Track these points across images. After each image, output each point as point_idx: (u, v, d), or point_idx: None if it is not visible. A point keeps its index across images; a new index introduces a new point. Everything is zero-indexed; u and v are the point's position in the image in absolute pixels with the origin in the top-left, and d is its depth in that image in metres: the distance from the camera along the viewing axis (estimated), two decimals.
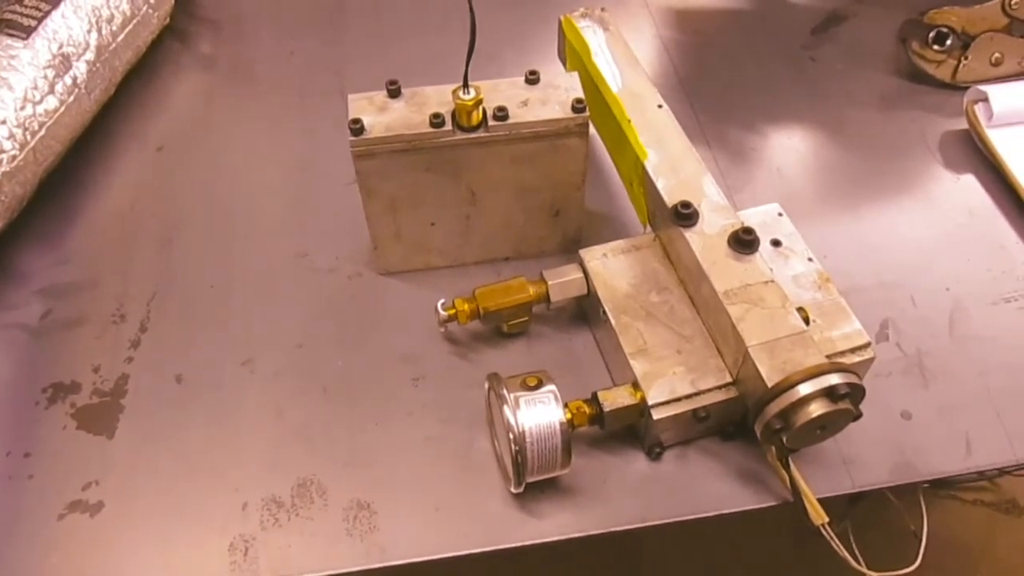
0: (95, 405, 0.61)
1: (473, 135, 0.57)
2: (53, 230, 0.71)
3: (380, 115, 0.57)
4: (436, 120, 0.56)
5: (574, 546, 0.54)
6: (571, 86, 0.59)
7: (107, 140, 0.77)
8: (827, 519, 0.53)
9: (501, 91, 0.59)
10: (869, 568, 0.56)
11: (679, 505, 0.56)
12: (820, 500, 0.54)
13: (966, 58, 0.78)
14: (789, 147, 0.77)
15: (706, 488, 0.56)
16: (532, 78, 0.59)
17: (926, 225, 0.71)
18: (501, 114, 0.57)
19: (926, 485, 1.48)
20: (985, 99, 0.74)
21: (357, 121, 0.56)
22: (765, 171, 0.75)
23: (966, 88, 0.76)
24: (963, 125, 0.76)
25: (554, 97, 0.58)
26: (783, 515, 0.55)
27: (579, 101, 0.58)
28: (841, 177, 0.75)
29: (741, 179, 0.74)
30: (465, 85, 0.56)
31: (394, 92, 0.58)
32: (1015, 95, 0.73)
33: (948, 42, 0.78)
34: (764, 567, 1.23)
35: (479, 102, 0.56)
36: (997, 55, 0.78)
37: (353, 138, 0.56)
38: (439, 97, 0.58)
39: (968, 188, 0.73)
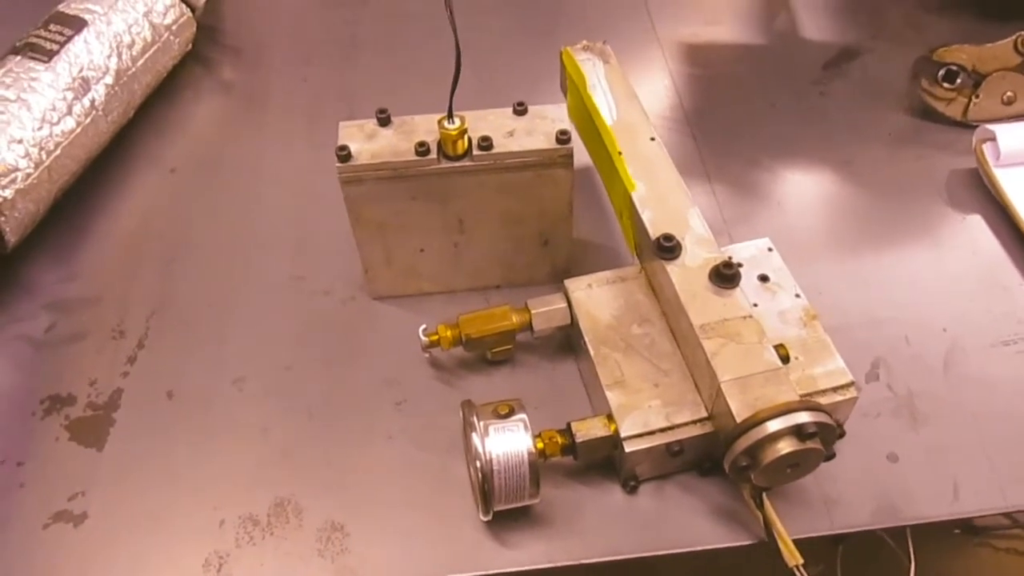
0: (88, 418, 0.62)
1: (458, 164, 0.58)
2: (64, 246, 0.73)
3: (368, 142, 0.58)
4: (421, 149, 0.57)
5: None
6: (558, 117, 0.60)
7: (123, 161, 0.80)
8: (801, 560, 0.52)
9: (488, 121, 0.59)
10: None
11: (652, 540, 0.55)
12: (799, 540, 0.53)
13: (977, 96, 0.77)
14: (792, 182, 0.76)
15: (681, 524, 0.56)
16: (520, 109, 0.60)
17: (927, 264, 0.69)
18: (485, 144, 0.58)
19: (956, 531, 1.44)
20: (993, 138, 0.72)
21: (344, 148, 0.57)
22: (765, 205, 0.74)
23: (977, 127, 0.75)
24: (972, 164, 0.75)
25: (540, 128, 0.59)
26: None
27: (563, 132, 0.58)
28: (843, 213, 0.74)
29: (740, 213, 0.73)
30: (450, 115, 0.56)
31: (384, 120, 0.59)
32: (1023, 135, 0.72)
33: (958, 80, 0.77)
34: None
35: (463, 131, 0.57)
36: (1009, 94, 0.77)
37: (340, 164, 0.58)
38: (427, 126, 0.59)
39: (974, 228, 0.72)
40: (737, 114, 0.82)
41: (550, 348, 0.65)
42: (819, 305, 0.63)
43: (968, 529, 1.36)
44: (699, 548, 0.55)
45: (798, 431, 0.48)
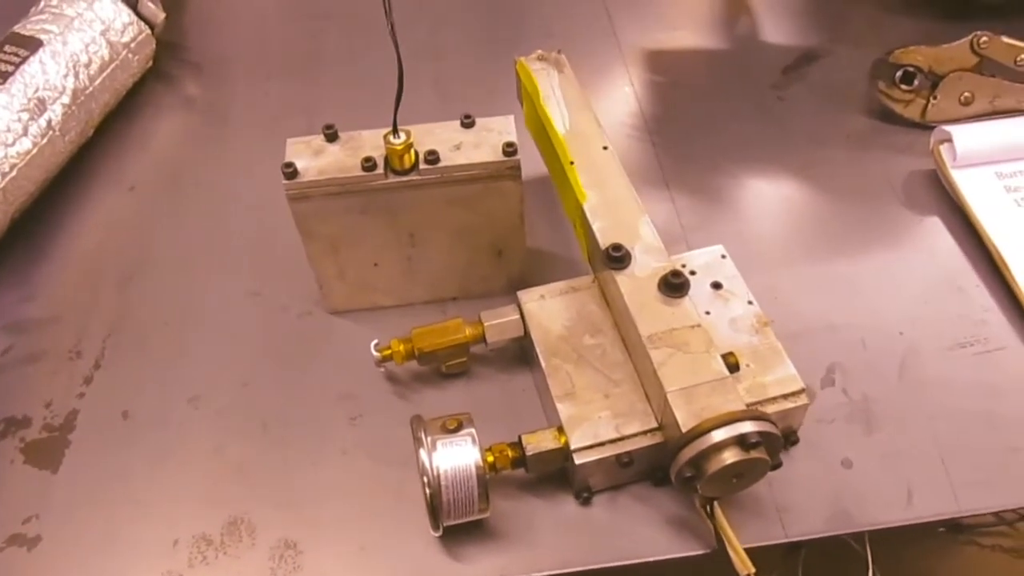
0: (43, 440, 0.62)
1: (405, 178, 0.58)
2: (21, 268, 0.73)
3: (315, 159, 0.58)
4: (368, 164, 0.57)
5: None
6: (505, 129, 0.60)
7: (82, 180, 0.80)
8: (753, 570, 0.52)
9: (435, 135, 0.59)
10: None
11: (605, 551, 0.55)
12: (753, 549, 0.53)
13: (935, 97, 0.77)
14: (751, 187, 0.76)
15: (634, 534, 0.55)
16: (467, 121, 0.60)
17: (885, 267, 0.69)
18: (432, 157, 0.58)
19: (941, 529, 1.44)
20: (950, 139, 0.72)
21: (290, 165, 0.57)
22: (724, 211, 0.74)
23: (935, 128, 0.75)
24: (931, 166, 0.75)
25: (487, 140, 0.59)
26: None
27: (510, 144, 0.58)
28: (801, 217, 0.74)
29: (698, 220, 0.73)
30: (395, 130, 0.56)
31: (331, 136, 0.59)
32: (979, 135, 0.72)
33: (915, 81, 0.77)
34: None
35: (409, 146, 0.57)
36: (967, 94, 0.77)
37: (286, 181, 0.57)
38: (374, 141, 0.59)
39: (931, 229, 0.72)
40: (696, 120, 0.82)
41: (505, 360, 0.64)
42: (776, 311, 0.63)
43: (953, 527, 1.36)
44: (652, 559, 0.55)
45: (742, 441, 0.48)
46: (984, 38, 0.76)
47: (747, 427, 0.48)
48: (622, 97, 0.85)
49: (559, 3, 0.96)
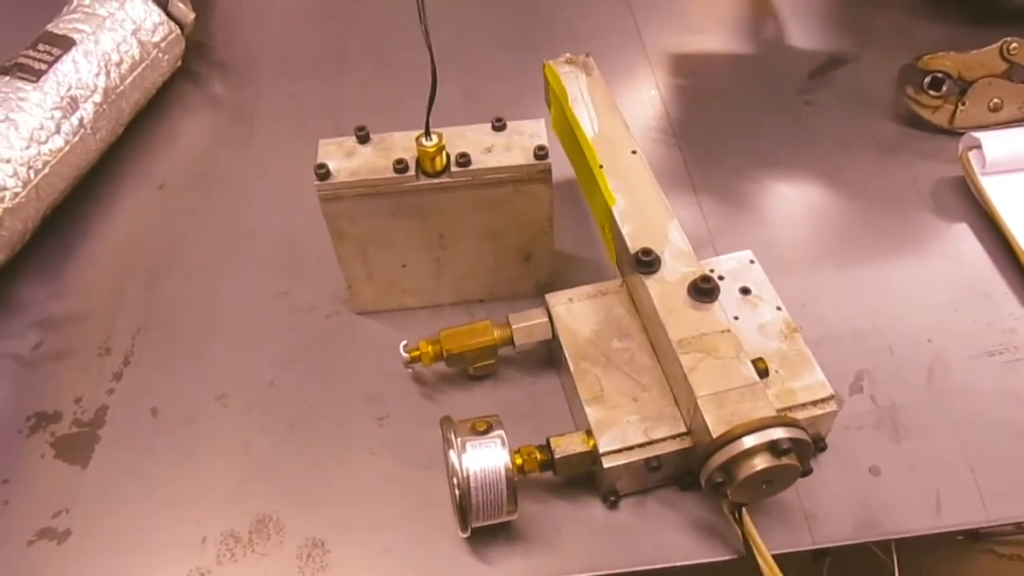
0: (73, 435, 0.63)
1: (436, 180, 0.58)
2: (52, 264, 0.74)
3: (347, 160, 0.59)
4: (399, 166, 0.57)
5: None
6: (536, 132, 0.60)
7: (112, 177, 0.80)
8: None
9: (467, 137, 0.60)
10: None
11: (631, 555, 0.55)
12: (780, 555, 0.53)
13: (963, 104, 0.77)
14: (777, 192, 0.76)
15: (661, 539, 0.56)
16: (498, 124, 0.60)
17: (912, 273, 0.69)
18: (463, 160, 0.58)
19: (960, 536, 1.44)
20: (979, 146, 0.72)
21: (323, 166, 0.58)
22: (750, 216, 0.74)
23: (963, 134, 0.75)
24: (959, 172, 0.75)
25: (518, 143, 0.59)
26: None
27: (541, 148, 0.58)
28: (828, 223, 0.74)
29: (725, 224, 0.73)
30: (427, 132, 0.57)
31: (363, 138, 0.60)
32: (1009, 142, 0.72)
33: (944, 87, 0.76)
34: None
35: (441, 148, 0.57)
36: (996, 101, 0.76)
37: (319, 182, 0.58)
38: (405, 143, 0.59)
39: (959, 236, 0.71)
40: (723, 124, 0.82)
41: (532, 362, 0.65)
42: (803, 317, 0.63)
43: (971, 535, 1.35)
44: (679, 563, 0.55)
45: (773, 447, 0.48)
46: (1014, 44, 0.75)
47: (778, 433, 0.48)
48: (648, 100, 0.85)
49: (584, 6, 0.96)
